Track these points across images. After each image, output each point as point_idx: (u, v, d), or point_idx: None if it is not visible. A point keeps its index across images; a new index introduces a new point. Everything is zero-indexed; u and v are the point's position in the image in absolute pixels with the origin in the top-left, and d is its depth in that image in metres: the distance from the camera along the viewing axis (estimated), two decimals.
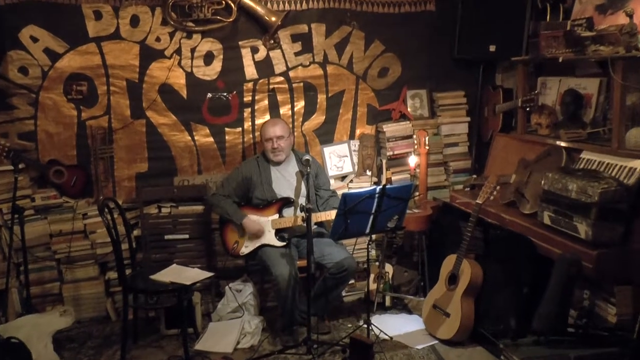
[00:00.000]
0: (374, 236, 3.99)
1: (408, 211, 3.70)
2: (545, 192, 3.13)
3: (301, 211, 3.30)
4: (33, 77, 3.96)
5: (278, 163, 3.75)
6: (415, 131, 4.39)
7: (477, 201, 3.45)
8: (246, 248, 3.72)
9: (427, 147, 4.24)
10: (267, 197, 3.72)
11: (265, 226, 3.69)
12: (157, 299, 3.53)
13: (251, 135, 4.37)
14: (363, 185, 4.41)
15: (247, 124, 4.37)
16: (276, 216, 3.71)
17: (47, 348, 3.30)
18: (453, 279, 3.54)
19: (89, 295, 4.02)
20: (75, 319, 3.79)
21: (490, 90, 4.44)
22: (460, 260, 3.49)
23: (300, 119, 4.46)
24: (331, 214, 3.59)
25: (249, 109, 4.33)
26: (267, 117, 4.35)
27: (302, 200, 3.72)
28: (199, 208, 4.16)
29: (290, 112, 4.42)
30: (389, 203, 3.18)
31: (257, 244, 3.69)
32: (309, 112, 4.45)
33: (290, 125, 4.30)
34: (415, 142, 4.29)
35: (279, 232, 3.72)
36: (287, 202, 3.73)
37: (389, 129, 4.40)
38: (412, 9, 4.33)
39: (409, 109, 4.53)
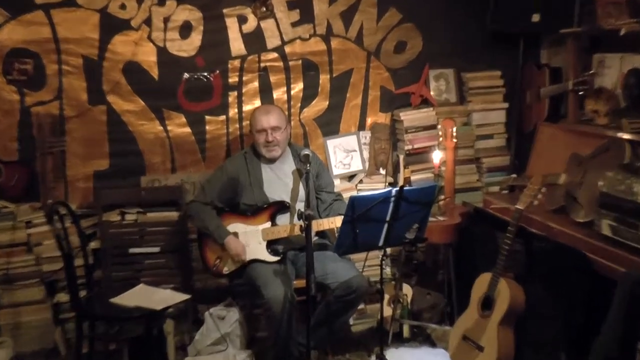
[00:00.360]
0: (389, 250, 4.11)
1: (431, 219, 3.74)
2: (603, 196, 3.13)
3: (299, 218, 3.26)
4: None
5: (272, 160, 3.74)
6: (440, 120, 4.41)
7: (518, 206, 3.45)
8: (231, 265, 3.71)
9: (454, 140, 4.25)
10: (257, 202, 3.71)
11: (254, 237, 3.69)
12: (119, 328, 3.51)
13: (237, 125, 4.38)
14: (375, 186, 4.42)
15: (233, 111, 4.38)
16: (268, 224, 3.69)
17: None
18: (487, 304, 3.54)
19: (32, 323, 3.98)
20: (14, 353, 3.78)
21: (534, 70, 4.45)
22: (497, 280, 3.49)
23: (298, 105, 4.48)
24: (336, 222, 3.59)
25: (235, 93, 4.35)
26: (258, 102, 4.36)
27: (300, 206, 3.71)
28: (173, 215, 4.18)
29: (285, 96, 4.44)
30: (408, 209, 3.16)
31: (245, 260, 3.71)
32: (308, 96, 4.47)
33: (286, 113, 4.31)
34: (440, 133, 4.31)
35: (271, 245, 3.70)
36: (281, 208, 3.72)
37: (408, 117, 4.44)
38: None
39: (432, 93, 4.55)
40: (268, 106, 3.92)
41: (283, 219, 3.71)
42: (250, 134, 3.84)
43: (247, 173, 3.75)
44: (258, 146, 3.74)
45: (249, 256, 3.66)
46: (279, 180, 3.77)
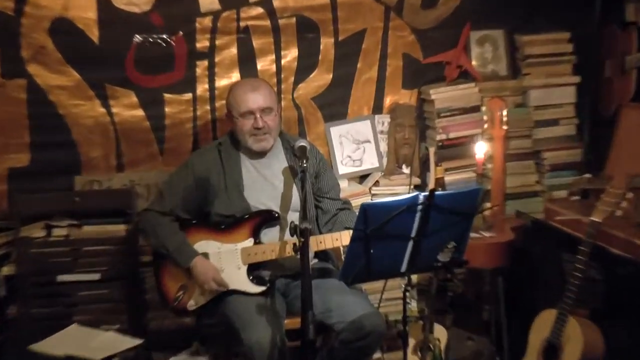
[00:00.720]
0: (414, 278, 4.13)
1: (473, 235, 3.77)
2: None
3: (292, 234, 3.24)
4: None
5: (259, 154, 3.80)
6: (485, 100, 4.45)
7: (593, 218, 3.47)
8: (200, 297, 3.72)
9: (504, 127, 4.26)
10: (234, 212, 3.74)
11: (231, 260, 3.71)
12: None
13: (208, 107, 4.45)
14: (396, 190, 4.48)
15: (202, 88, 4.43)
16: (250, 242, 3.70)
17: None
18: (552, 352, 3.56)
19: None
20: None
21: (616, 32, 4.47)
22: (564, 319, 3.52)
23: (291, 79, 4.51)
24: (342, 239, 3.64)
25: (205, 62, 4.40)
26: (237, 76, 4.41)
27: (293, 217, 3.75)
28: (119, 229, 4.24)
29: (274, 67, 4.48)
30: (441, 221, 3.15)
31: (217, 291, 3.73)
32: (305, 67, 4.51)
33: (275, 90, 4.33)
34: (486, 118, 4.33)
35: (254, 270, 3.71)
36: (268, 219, 3.75)
37: (441, 96, 4.49)
38: None
39: (473, 63, 4.60)
40: (254, 80, 3.97)
41: (270, 235, 3.76)
42: (227, 118, 3.86)
43: (222, 172, 3.80)
44: (241, 135, 3.78)
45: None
46: (265, 182, 3.83)
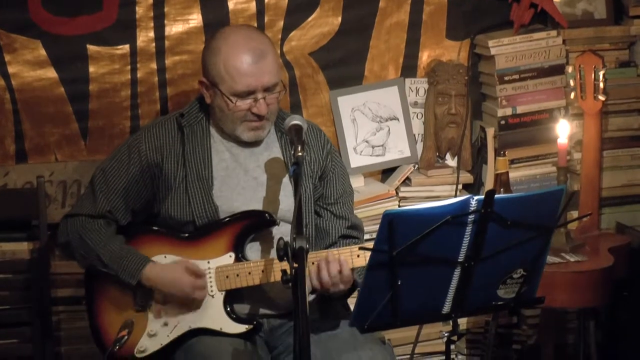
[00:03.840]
0: (462, 323, 4.00)
1: (552, 259, 3.68)
2: None
3: (280, 257, 2.89)
4: None
5: (248, 141, 3.52)
6: (574, 57, 4.15)
7: None
8: (150, 340, 3.38)
9: (602, 98, 3.96)
10: (194, 216, 3.44)
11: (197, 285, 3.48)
12: None
13: (155, 66, 4.03)
14: (436, 192, 4.17)
15: (145, 36, 4.05)
16: (229, 258, 3.36)
17: None
18: None
19: None
20: None
21: None
22: None
23: (280, 24, 4.11)
24: (353, 261, 3.29)
25: None
26: (196, 18, 4.03)
27: (282, 229, 3.42)
28: (19, 249, 3.93)
29: (253, 5, 4.08)
30: (503, 238, 2.86)
31: (180, 329, 3.37)
32: (301, 5, 4.13)
33: None
34: (572, 83, 4.06)
35: (234, 301, 3.39)
36: (258, 225, 3.45)
37: (505, 50, 4.14)
38: None
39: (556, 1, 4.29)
40: (255, 38, 3.52)
41: (253, 252, 3.44)
42: (202, 88, 3.47)
43: (182, 157, 3.46)
44: (228, 119, 3.45)
45: (190, 324, 3.38)
46: (245, 177, 3.50)
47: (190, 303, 3.44)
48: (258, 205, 3.49)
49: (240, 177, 3.48)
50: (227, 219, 3.45)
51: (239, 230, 3.41)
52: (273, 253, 3.41)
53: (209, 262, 3.39)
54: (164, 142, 3.52)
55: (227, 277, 3.37)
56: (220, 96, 3.45)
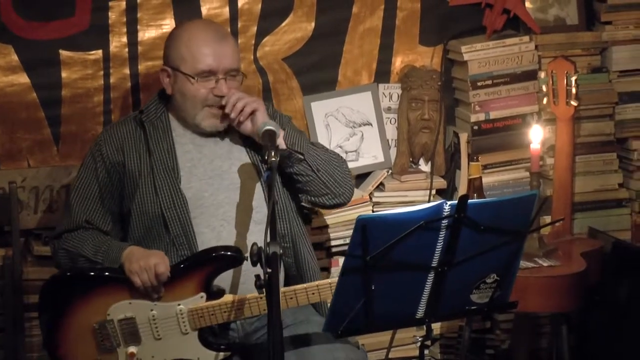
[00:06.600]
0: (436, 328, 4.04)
1: (525, 264, 3.74)
2: None
3: (253, 262, 2.95)
4: None
5: (208, 133, 3.63)
6: (546, 63, 4.25)
7: None
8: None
9: (574, 103, 4.06)
10: (164, 209, 3.54)
11: (172, 326, 3.50)
12: None
13: (128, 71, 4.12)
14: (409, 197, 4.26)
15: (118, 42, 4.14)
16: (201, 298, 3.43)
17: None
18: None
19: None
20: None
21: None
22: None
23: (253, 29, 4.21)
24: (321, 291, 3.39)
25: (123, 3, 4.10)
26: (169, 24, 4.09)
27: (255, 233, 3.50)
28: None
29: (227, 10, 4.17)
30: (476, 243, 2.95)
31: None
32: (274, 11, 4.22)
33: None
34: (545, 89, 4.18)
35: (207, 331, 3.47)
36: (226, 265, 3.49)
37: (478, 55, 4.26)
38: None
39: (528, 5, 4.35)
40: (216, 26, 3.79)
41: (226, 276, 3.50)
42: (162, 75, 3.59)
43: (146, 151, 3.60)
44: (188, 103, 3.56)
45: (166, 355, 3.47)
46: (210, 166, 3.64)
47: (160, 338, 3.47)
48: (230, 196, 3.56)
49: (206, 167, 3.58)
50: (195, 261, 3.49)
51: (208, 272, 3.48)
52: (243, 280, 3.49)
53: (179, 304, 3.46)
54: (124, 140, 3.59)
55: (201, 317, 3.45)
56: (182, 79, 3.53)
